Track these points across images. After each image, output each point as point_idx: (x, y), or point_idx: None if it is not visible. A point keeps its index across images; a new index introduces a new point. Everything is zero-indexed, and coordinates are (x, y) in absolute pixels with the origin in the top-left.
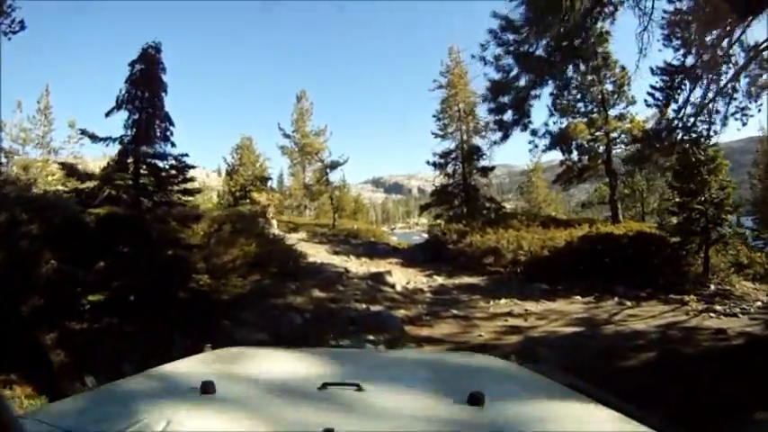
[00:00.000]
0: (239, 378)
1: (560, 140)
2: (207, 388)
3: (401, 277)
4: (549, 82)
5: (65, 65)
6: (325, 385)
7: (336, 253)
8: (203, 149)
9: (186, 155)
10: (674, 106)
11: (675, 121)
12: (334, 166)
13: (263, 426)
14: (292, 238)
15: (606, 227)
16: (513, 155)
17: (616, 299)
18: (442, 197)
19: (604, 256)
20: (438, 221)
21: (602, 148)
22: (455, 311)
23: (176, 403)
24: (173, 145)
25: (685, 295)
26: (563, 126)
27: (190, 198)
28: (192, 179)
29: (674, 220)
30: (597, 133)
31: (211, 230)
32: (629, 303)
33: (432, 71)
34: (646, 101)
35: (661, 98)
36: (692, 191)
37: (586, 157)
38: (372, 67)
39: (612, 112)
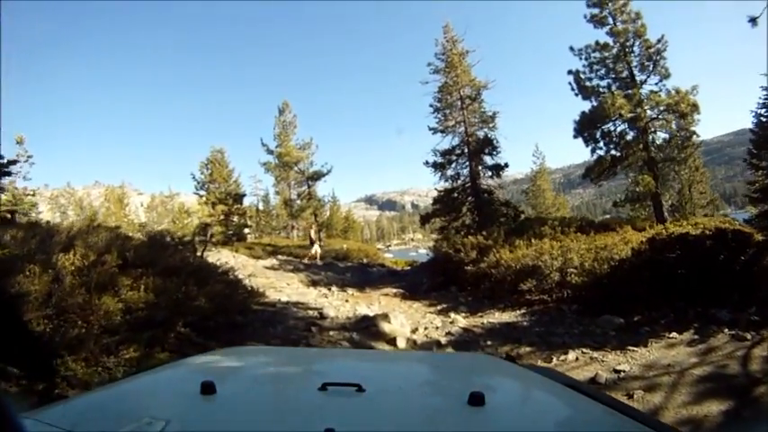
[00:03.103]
0: (239, 378)
1: (588, 125)
2: (207, 388)
3: (403, 320)
4: None
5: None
6: (325, 385)
7: (314, 284)
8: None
9: None
10: None
11: None
12: (316, 177)
13: (263, 426)
14: (257, 267)
15: (673, 226)
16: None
17: (726, 331)
18: (447, 204)
19: (681, 266)
20: (436, 236)
21: (630, 135)
22: None
23: (176, 403)
24: None
25: None
26: (589, 109)
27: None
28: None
29: (753, 209)
30: (638, 110)
31: (86, 264)
32: (748, 337)
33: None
34: None
35: None
36: None
37: (612, 146)
38: (360, 82)
39: (643, 91)
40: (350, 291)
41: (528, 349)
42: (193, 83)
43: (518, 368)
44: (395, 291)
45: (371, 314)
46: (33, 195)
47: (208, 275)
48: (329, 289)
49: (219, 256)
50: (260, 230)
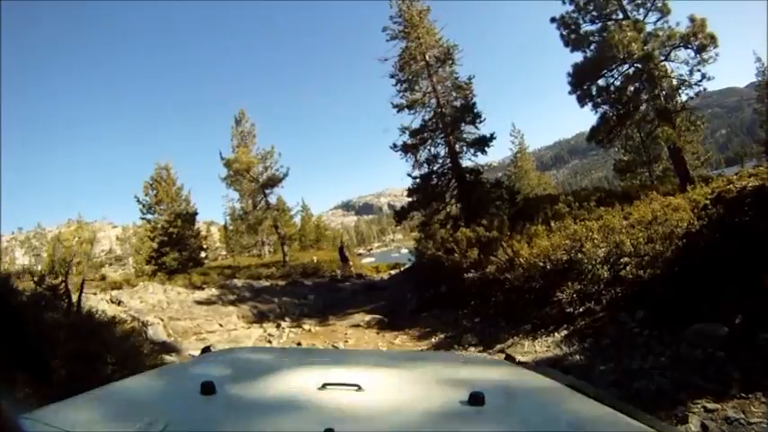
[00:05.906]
0: (239, 378)
1: (588, 75)
2: (207, 388)
3: None
4: None
5: None
6: (325, 385)
7: (261, 317)
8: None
9: None
10: None
11: None
12: (272, 182)
13: (263, 426)
14: (185, 303)
15: (738, 180)
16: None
17: None
18: (426, 194)
19: (756, 230)
20: (417, 235)
21: (633, 86)
22: None
23: (176, 403)
24: None
25: None
26: (585, 57)
27: None
28: None
29: None
30: (648, 46)
31: None
32: None
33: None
34: None
35: None
36: None
37: (613, 100)
38: (329, 89)
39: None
40: (307, 324)
41: None
42: (160, 104)
43: (518, 368)
44: (369, 317)
45: None
46: None
47: (53, 344)
48: (278, 325)
49: (143, 294)
50: (230, 250)
